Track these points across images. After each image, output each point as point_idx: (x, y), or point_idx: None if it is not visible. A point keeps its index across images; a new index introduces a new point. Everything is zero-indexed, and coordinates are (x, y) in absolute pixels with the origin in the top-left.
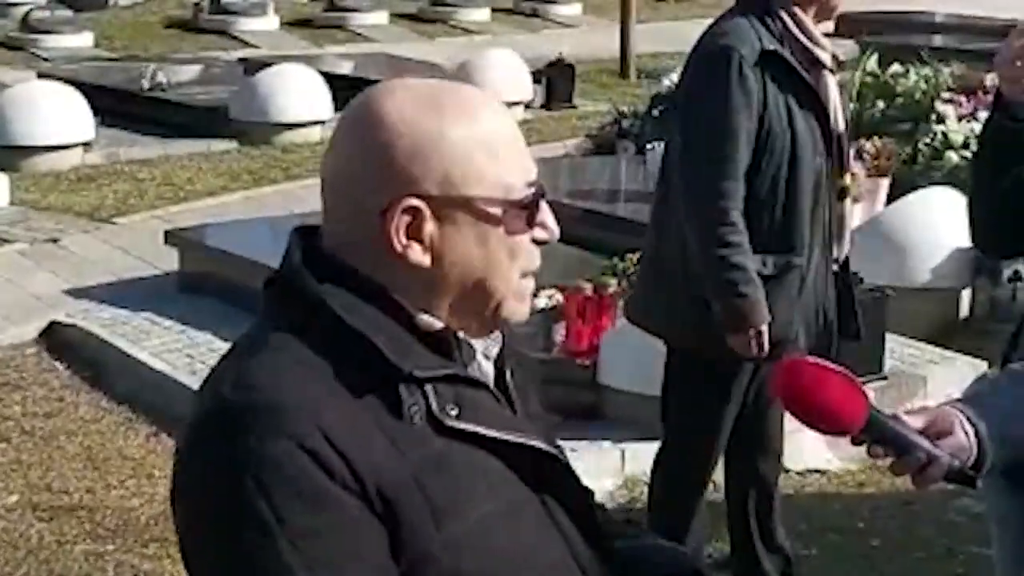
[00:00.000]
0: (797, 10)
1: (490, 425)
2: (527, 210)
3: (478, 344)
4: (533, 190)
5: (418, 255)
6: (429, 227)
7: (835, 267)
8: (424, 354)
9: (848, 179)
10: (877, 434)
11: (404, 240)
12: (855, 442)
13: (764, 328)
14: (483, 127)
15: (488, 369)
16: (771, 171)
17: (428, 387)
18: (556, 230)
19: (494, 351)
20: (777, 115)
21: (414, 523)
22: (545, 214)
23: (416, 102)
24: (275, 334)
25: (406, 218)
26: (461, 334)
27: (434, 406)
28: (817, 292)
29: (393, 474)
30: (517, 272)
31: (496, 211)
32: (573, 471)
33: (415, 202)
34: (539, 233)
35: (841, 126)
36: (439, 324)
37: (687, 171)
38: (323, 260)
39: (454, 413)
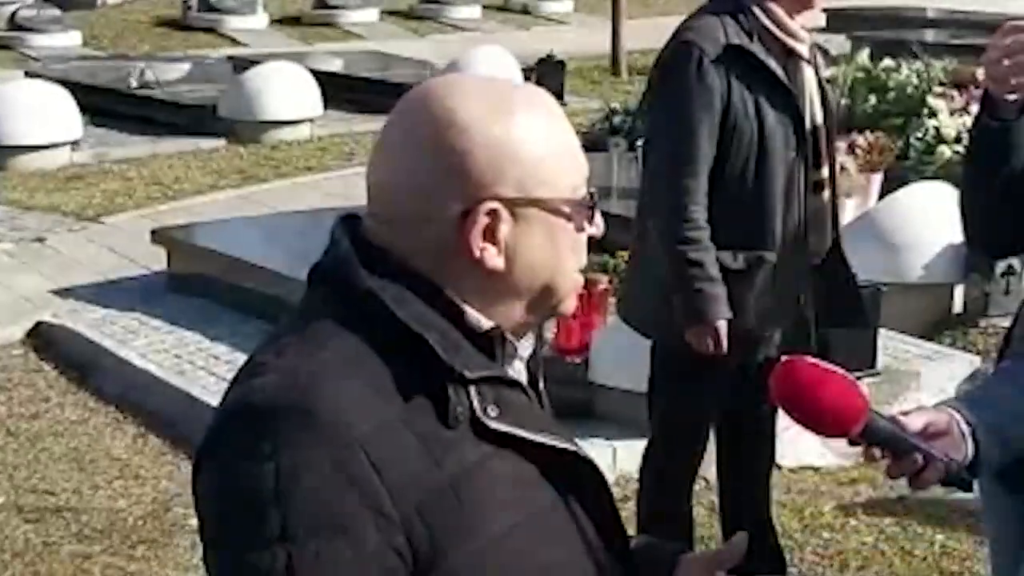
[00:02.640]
0: (770, 3)
1: (528, 427)
2: (588, 207)
3: (520, 345)
4: (589, 187)
5: (493, 258)
6: (504, 230)
7: (816, 260)
8: (472, 353)
9: (825, 172)
10: (874, 436)
11: (481, 243)
12: (852, 443)
13: (721, 324)
14: (547, 127)
15: (522, 369)
16: (739, 165)
17: (472, 388)
18: (602, 225)
19: (527, 352)
20: (743, 109)
21: (448, 536)
22: (597, 209)
23: (485, 103)
24: (320, 324)
25: (485, 220)
26: (508, 335)
27: (476, 407)
28: (792, 286)
29: (431, 487)
30: (576, 268)
31: (565, 210)
32: (603, 476)
33: (495, 205)
34: (593, 229)
35: (818, 118)
36: (488, 324)
37: (649, 167)
38: (374, 253)
39: (494, 414)
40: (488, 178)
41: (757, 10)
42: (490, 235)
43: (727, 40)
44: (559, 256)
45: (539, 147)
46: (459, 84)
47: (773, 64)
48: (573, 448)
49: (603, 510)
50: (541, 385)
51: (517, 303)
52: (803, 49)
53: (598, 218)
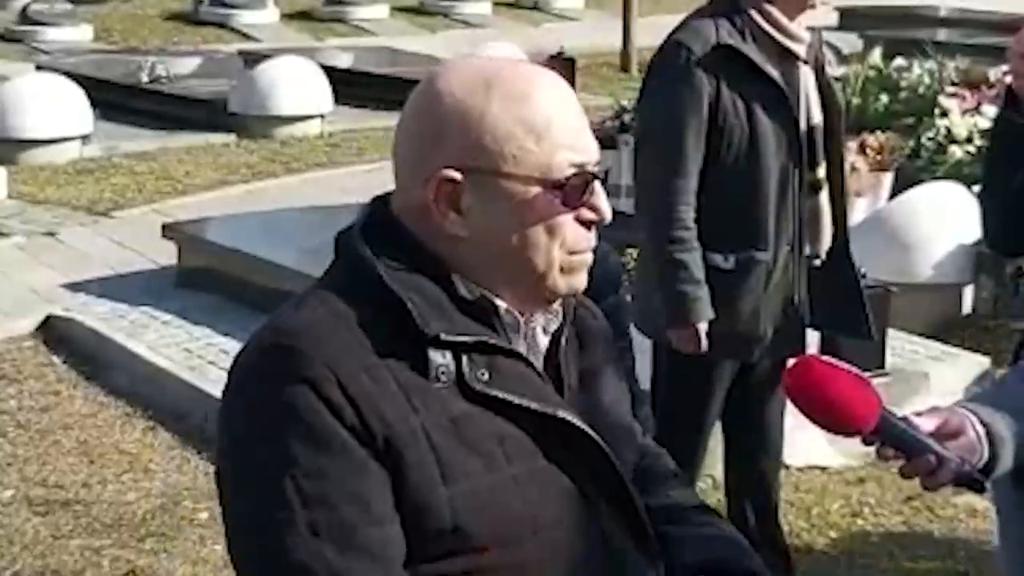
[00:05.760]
0: (767, 5)
1: (518, 393)
2: (564, 190)
3: (539, 319)
4: (575, 171)
5: (455, 225)
6: (466, 199)
7: (816, 262)
8: (459, 320)
9: (821, 172)
10: (888, 435)
11: (442, 209)
12: (865, 442)
13: (702, 326)
14: (531, 107)
15: (543, 342)
16: (729, 165)
17: (463, 354)
18: (606, 211)
19: (553, 326)
20: (733, 109)
21: (419, 475)
22: (595, 195)
23: (470, 79)
24: (322, 290)
25: (445, 188)
26: (502, 304)
27: (466, 371)
28: (786, 288)
29: (402, 427)
30: (560, 250)
31: (531, 189)
32: (604, 448)
33: (453, 174)
34: (585, 214)
35: (815, 119)
36: (478, 292)
37: (638, 167)
38: (384, 224)
39: (484, 378)
40: (452, 145)
41: (753, 11)
42: (452, 202)
43: (718, 40)
44: (525, 231)
45: (509, 122)
46: (461, 62)
47: (766, 64)
48: (565, 416)
49: (605, 479)
50: (564, 354)
51: (491, 273)
52: (800, 50)
53: (595, 202)
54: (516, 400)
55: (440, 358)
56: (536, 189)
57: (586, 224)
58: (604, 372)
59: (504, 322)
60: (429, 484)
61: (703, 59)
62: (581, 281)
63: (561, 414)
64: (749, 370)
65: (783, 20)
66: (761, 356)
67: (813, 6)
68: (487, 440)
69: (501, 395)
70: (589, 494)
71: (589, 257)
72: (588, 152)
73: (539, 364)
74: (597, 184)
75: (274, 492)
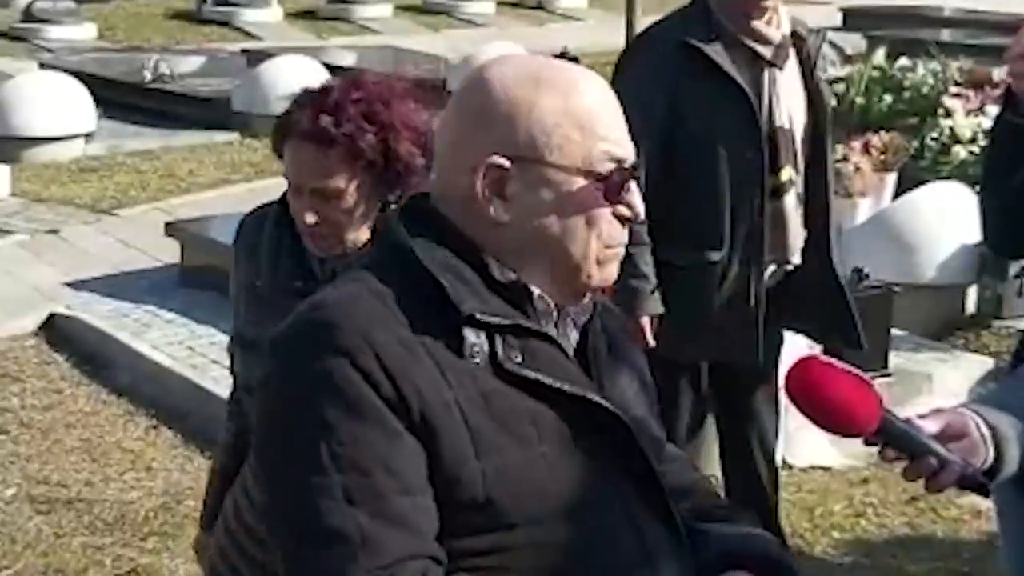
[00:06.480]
0: (733, 7)
1: (549, 375)
2: (605, 183)
3: (570, 311)
4: (615, 166)
5: (499, 211)
6: (512, 186)
7: (789, 267)
8: (494, 301)
9: (785, 175)
10: (889, 437)
11: (487, 195)
12: (867, 443)
13: (646, 320)
14: (575, 101)
15: (574, 336)
16: (687, 163)
17: (497, 336)
18: (640, 210)
19: (583, 319)
20: (693, 108)
21: (452, 448)
22: (631, 193)
23: (519, 73)
24: (361, 271)
25: (492, 174)
26: (535, 289)
27: (499, 351)
28: (742, 290)
29: (436, 399)
30: (597, 241)
31: (574, 179)
32: (632, 432)
33: (500, 160)
34: (621, 210)
35: (780, 121)
36: (512, 276)
37: None
38: (421, 209)
39: (517, 359)
40: (499, 134)
41: (718, 12)
42: (498, 189)
43: (683, 39)
44: (566, 222)
45: (555, 114)
46: (508, 57)
47: (728, 66)
48: (594, 398)
49: (633, 463)
50: (593, 349)
51: (529, 259)
52: (766, 52)
53: (630, 199)
54: (548, 381)
55: (474, 337)
56: (580, 181)
57: (621, 220)
58: (627, 373)
59: (537, 307)
60: (462, 457)
61: (665, 57)
62: (613, 273)
63: (591, 396)
64: (730, 374)
65: (751, 22)
66: (716, 358)
67: (764, 9)
68: (519, 418)
69: (533, 375)
70: (617, 478)
71: (622, 251)
72: (626, 148)
73: (570, 353)
74: (633, 183)
75: (310, 458)
